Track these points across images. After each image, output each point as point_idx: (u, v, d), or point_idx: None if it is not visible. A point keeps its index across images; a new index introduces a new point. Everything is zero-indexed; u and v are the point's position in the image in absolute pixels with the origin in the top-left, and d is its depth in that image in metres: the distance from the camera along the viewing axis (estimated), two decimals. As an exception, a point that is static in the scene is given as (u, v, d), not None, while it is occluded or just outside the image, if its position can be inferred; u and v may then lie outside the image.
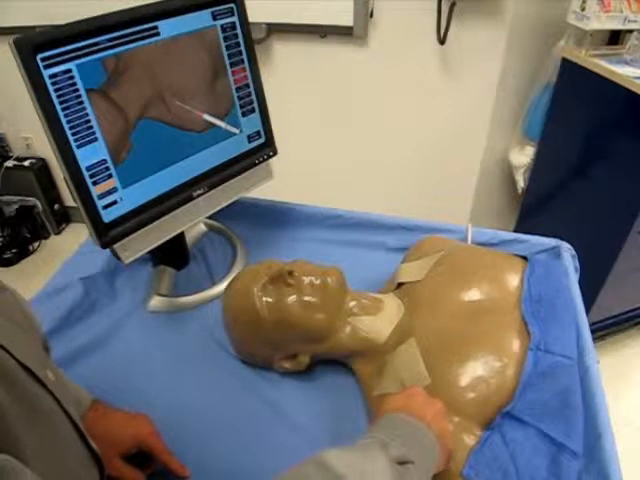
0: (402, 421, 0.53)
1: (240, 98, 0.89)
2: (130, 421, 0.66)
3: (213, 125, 0.85)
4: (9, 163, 2.22)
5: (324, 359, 0.79)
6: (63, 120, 0.66)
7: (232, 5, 0.83)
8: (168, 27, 0.75)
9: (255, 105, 0.91)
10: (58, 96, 0.65)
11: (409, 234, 1.01)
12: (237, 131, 0.86)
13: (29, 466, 0.36)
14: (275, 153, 0.97)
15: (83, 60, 0.67)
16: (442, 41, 1.57)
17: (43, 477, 0.32)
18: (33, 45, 0.62)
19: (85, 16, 0.67)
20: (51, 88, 0.64)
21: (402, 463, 0.46)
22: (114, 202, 0.74)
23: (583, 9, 1.38)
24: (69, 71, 0.65)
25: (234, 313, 0.77)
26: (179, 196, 0.83)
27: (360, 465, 0.43)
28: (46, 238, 2.37)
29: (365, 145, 1.91)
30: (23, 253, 2.25)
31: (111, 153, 0.72)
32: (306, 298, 0.73)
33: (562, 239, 0.98)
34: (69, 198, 2.24)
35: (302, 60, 1.76)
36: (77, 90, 0.67)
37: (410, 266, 0.86)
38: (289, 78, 1.78)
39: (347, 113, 1.85)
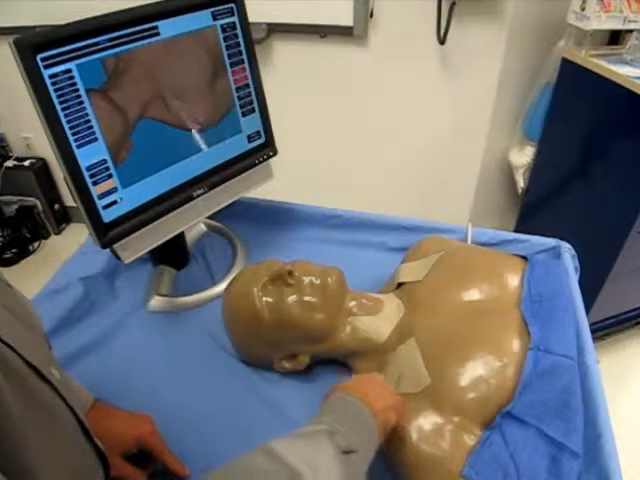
0: (351, 405, 0.54)
1: (240, 98, 0.89)
2: (131, 421, 0.66)
3: (213, 125, 0.85)
4: (9, 163, 2.22)
5: (324, 359, 0.79)
6: (63, 120, 0.66)
7: (232, 5, 0.83)
8: (168, 27, 0.75)
9: (255, 105, 0.92)
10: (58, 96, 0.65)
11: (409, 234, 1.01)
12: (205, 147, 0.85)
13: (34, 464, 0.36)
14: (275, 153, 0.97)
15: (83, 60, 0.67)
16: (442, 41, 1.57)
17: (49, 474, 0.32)
18: (33, 45, 0.62)
19: (85, 16, 0.67)
20: (51, 88, 0.64)
21: (347, 452, 0.47)
22: (114, 202, 0.74)
23: (583, 9, 1.38)
24: (69, 71, 0.66)
25: (234, 313, 0.77)
26: (179, 196, 0.83)
27: (309, 456, 0.43)
28: (46, 238, 2.37)
29: (365, 145, 1.91)
30: (23, 253, 2.25)
31: (111, 153, 0.72)
32: (306, 298, 0.73)
33: (562, 239, 0.98)
34: (69, 198, 2.24)
35: (302, 60, 1.76)
36: (77, 90, 0.67)
37: (410, 266, 0.86)
38: (289, 78, 1.78)
39: (347, 113, 1.85)
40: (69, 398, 0.46)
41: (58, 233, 2.41)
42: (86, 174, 0.70)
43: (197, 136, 0.84)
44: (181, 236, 0.96)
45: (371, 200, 1.75)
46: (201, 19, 0.79)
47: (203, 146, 0.85)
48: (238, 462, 0.42)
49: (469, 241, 0.97)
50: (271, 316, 0.73)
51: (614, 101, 1.38)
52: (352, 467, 0.46)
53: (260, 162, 0.94)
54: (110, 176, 0.73)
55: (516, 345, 0.68)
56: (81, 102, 0.67)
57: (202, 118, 0.84)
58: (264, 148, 0.95)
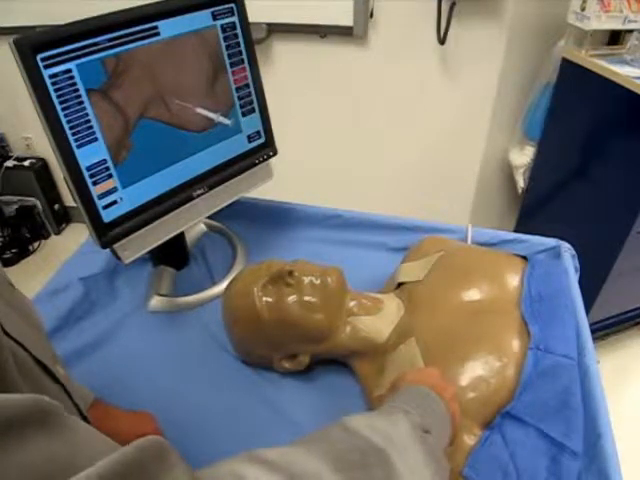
0: (423, 393, 0.53)
1: (240, 98, 0.89)
2: (133, 419, 0.66)
3: (213, 125, 0.85)
4: (9, 163, 2.22)
5: (324, 359, 0.79)
6: (63, 120, 0.66)
7: (232, 5, 0.83)
8: (168, 27, 0.75)
9: (255, 105, 0.92)
10: (58, 96, 0.65)
11: (409, 234, 1.01)
12: (229, 122, 0.85)
13: None
14: (275, 153, 0.97)
15: (83, 60, 0.67)
16: (442, 41, 1.57)
17: None
18: (33, 45, 0.62)
19: (85, 16, 0.67)
20: (51, 88, 0.64)
21: (424, 431, 0.46)
22: (114, 202, 0.74)
23: (583, 9, 1.38)
24: (69, 71, 0.66)
25: (234, 313, 0.77)
26: (179, 196, 0.83)
27: (384, 428, 0.42)
28: (46, 238, 2.37)
29: (365, 145, 1.91)
30: (23, 253, 2.25)
31: (111, 153, 0.72)
32: (306, 298, 0.73)
33: (562, 239, 0.98)
34: (69, 198, 2.24)
35: (302, 60, 1.76)
36: (77, 90, 0.67)
37: (410, 266, 0.86)
38: (289, 78, 1.78)
39: (347, 113, 1.85)
40: (74, 395, 0.46)
41: (58, 233, 2.41)
42: (86, 174, 0.70)
43: (197, 136, 0.84)
44: (181, 236, 0.96)
45: (371, 200, 1.75)
46: (201, 19, 0.79)
47: (203, 146, 0.85)
48: (313, 435, 0.41)
49: (469, 241, 0.97)
50: (271, 316, 0.73)
51: (614, 101, 1.38)
52: (430, 445, 0.45)
53: (260, 162, 0.94)
54: (110, 176, 0.73)
55: (516, 345, 0.68)
56: (81, 102, 0.67)
57: (202, 118, 0.84)
58: (264, 148, 0.95)
